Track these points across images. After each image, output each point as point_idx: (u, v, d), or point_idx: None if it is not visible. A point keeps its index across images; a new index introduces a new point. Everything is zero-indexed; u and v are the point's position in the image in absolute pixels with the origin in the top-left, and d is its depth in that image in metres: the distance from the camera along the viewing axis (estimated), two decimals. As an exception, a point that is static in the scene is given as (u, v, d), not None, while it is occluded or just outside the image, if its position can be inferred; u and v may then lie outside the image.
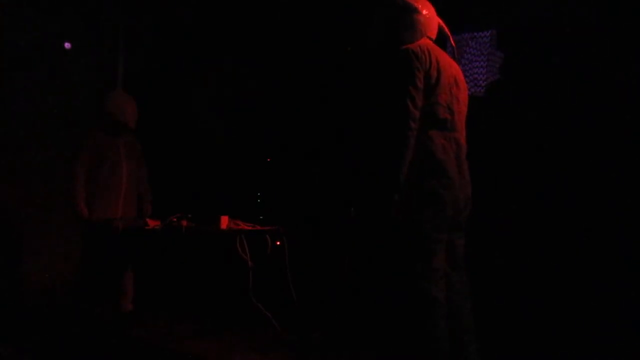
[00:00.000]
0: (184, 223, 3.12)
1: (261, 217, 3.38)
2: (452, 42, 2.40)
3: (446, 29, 2.39)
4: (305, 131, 4.27)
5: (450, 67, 2.25)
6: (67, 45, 4.95)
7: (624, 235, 2.75)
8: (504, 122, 3.26)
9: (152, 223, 3.28)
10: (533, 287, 3.00)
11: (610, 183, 2.83)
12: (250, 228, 3.01)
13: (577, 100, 2.97)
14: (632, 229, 2.73)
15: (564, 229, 2.96)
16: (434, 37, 2.33)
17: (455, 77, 2.26)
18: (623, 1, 2.82)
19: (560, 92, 3.04)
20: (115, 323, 3.62)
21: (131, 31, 5.28)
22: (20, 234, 4.64)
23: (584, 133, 2.92)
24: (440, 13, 2.40)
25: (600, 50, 2.89)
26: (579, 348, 2.74)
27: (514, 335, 2.92)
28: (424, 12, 2.27)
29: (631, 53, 2.77)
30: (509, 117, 3.24)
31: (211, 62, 4.85)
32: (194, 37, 4.93)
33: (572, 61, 2.99)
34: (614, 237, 2.79)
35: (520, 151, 3.17)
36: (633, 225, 2.73)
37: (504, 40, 3.30)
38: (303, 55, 4.27)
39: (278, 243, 2.84)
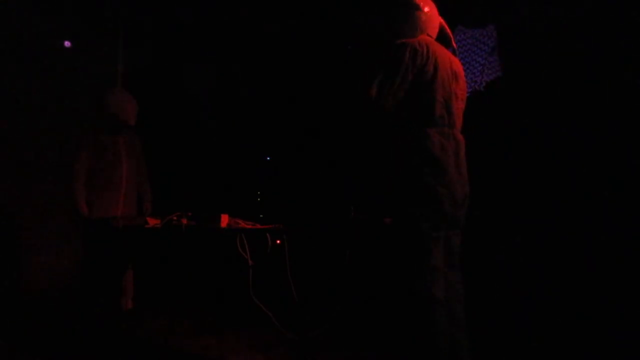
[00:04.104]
0: (184, 221, 3.10)
1: (261, 216, 3.37)
2: (454, 43, 2.39)
3: (448, 30, 2.39)
4: (305, 130, 4.26)
5: (450, 63, 2.24)
6: (67, 43, 4.94)
7: (624, 234, 2.75)
8: (503, 120, 3.26)
9: (152, 221, 3.27)
10: (530, 286, 3.01)
11: (609, 181, 2.83)
12: (250, 227, 3.00)
13: (577, 99, 2.97)
14: (631, 227, 2.73)
15: (563, 227, 2.96)
16: (434, 35, 2.33)
17: (455, 73, 2.25)
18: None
19: (559, 91, 3.04)
20: (115, 321, 3.61)
21: (131, 29, 5.27)
22: (19, 232, 4.63)
23: (584, 132, 2.92)
24: (440, 10, 2.40)
25: (600, 48, 2.88)
26: (577, 347, 2.74)
27: (509, 334, 2.92)
28: (425, 9, 2.27)
29: (631, 51, 2.77)
30: (508, 115, 3.24)
31: (211, 61, 4.85)
32: (195, 35, 4.93)
33: (572, 60, 2.99)
34: (613, 235, 2.78)
35: (519, 150, 3.17)
36: (633, 223, 2.73)
37: (503, 38, 3.30)
38: (304, 54, 4.27)
39: (278, 242, 2.83)
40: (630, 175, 2.76)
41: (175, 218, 3.13)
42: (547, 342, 2.86)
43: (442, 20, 2.37)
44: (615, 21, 2.81)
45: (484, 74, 3.34)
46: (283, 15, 4.38)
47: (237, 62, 4.75)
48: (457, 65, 2.32)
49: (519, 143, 3.17)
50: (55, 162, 4.68)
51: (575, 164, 2.95)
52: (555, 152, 3.03)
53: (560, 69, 3.03)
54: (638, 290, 2.67)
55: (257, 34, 4.60)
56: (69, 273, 4.59)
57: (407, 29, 2.24)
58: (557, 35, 3.03)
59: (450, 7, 3.17)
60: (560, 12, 3.00)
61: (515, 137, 3.19)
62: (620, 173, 2.80)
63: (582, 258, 2.87)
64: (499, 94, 3.32)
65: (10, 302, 4.30)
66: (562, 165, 3.00)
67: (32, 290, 4.53)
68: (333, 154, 3.98)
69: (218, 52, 4.83)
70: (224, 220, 2.99)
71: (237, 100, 4.74)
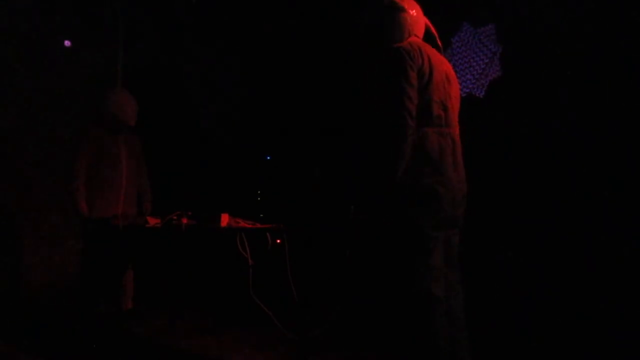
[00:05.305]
0: (184, 221, 3.10)
1: (262, 215, 3.37)
2: (439, 42, 2.40)
3: (433, 29, 2.40)
4: (306, 129, 4.27)
5: (441, 63, 2.26)
6: (67, 43, 4.94)
7: (624, 234, 2.75)
8: (503, 120, 3.26)
9: (152, 221, 3.27)
10: (530, 286, 3.01)
11: (609, 181, 2.83)
12: (250, 226, 3.00)
13: (577, 99, 2.97)
14: (631, 227, 2.73)
15: (563, 227, 2.96)
16: (420, 36, 2.34)
17: (447, 74, 2.26)
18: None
19: (559, 91, 3.04)
20: (115, 321, 3.61)
21: (131, 29, 5.27)
22: (19, 232, 4.63)
23: (584, 132, 2.93)
24: (440, 10, 2.41)
25: (600, 48, 2.89)
26: (577, 347, 2.74)
27: (509, 334, 2.92)
28: (411, 11, 2.29)
29: (631, 51, 2.77)
30: (508, 115, 3.24)
31: (211, 60, 4.85)
32: (194, 35, 4.93)
33: (572, 60, 3.00)
34: (613, 235, 2.79)
35: (519, 150, 3.18)
36: (633, 223, 2.73)
37: (503, 38, 3.31)
38: (304, 54, 4.27)
39: (278, 241, 2.83)
40: (630, 175, 2.77)
41: (175, 217, 3.13)
42: (547, 342, 2.86)
43: (427, 21, 2.38)
44: (615, 21, 2.81)
45: (485, 74, 3.34)
46: (283, 15, 4.39)
47: (237, 62, 4.75)
48: (447, 65, 2.33)
49: (519, 143, 3.17)
50: (55, 162, 4.68)
51: (575, 164, 2.95)
52: (555, 152, 3.03)
53: (560, 69, 3.03)
54: (638, 290, 2.67)
55: (257, 34, 4.60)
56: (69, 273, 4.59)
57: (395, 32, 2.25)
58: (557, 35, 3.03)
59: (450, 7, 3.18)
60: (560, 12, 3.00)
61: (515, 137, 3.19)
62: (620, 173, 2.80)
63: (582, 258, 2.87)
64: (499, 94, 3.32)
65: (10, 302, 4.30)
66: (562, 165, 3.00)
67: (32, 290, 4.53)
68: (334, 153, 3.98)
69: (218, 52, 4.83)
70: (224, 219, 2.99)
71: (237, 99, 4.74)
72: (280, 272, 2.76)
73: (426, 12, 2.37)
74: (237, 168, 4.66)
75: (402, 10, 2.27)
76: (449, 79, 2.26)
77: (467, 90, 3.38)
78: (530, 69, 3.16)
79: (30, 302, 4.30)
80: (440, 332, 2.05)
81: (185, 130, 4.95)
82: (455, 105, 2.29)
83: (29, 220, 4.67)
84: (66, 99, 4.93)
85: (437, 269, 2.10)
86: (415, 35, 2.30)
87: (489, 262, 3.10)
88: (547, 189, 3.05)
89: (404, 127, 2.06)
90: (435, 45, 2.36)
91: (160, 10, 5.05)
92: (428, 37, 2.37)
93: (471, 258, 2.44)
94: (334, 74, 4.02)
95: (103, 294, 3.63)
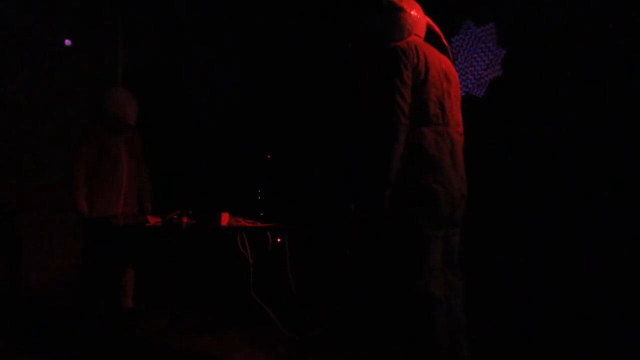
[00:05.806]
0: (185, 220, 3.10)
1: (262, 214, 3.37)
2: (444, 41, 2.41)
3: (437, 28, 2.40)
4: (306, 128, 4.27)
5: (440, 62, 2.26)
6: (67, 42, 4.94)
7: (624, 234, 2.76)
8: (503, 120, 3.26)
9: (152, 220, 3.27)
10: (530, 286, 3.01)
11: (609, 181, 2.83)
12: (251, 225, 3.00)
13: (576, 99, 2.97)
14: (631, 227, 2.74)
15: (563, 227, 2.97)
16: (422, 35, 2.35)
17: (446, 72, 2.27)
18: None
19: (559, 90, 3.05)
20: (115, 320, 3.61)
21: (131, 28, 5.27)
22: (19, 232, 4.63)
23: (584, 132, 2.93)
24: (439, 11, 2.42)
25: (600, 48, 2.89)
26: (577, 347, 2.74)
27: (509, 334, 2.92)
28: (411, 11, 2.30)
29: (631, 51, 2.78)
30: (508, 115, 3.25)
31: (211, 59, 4.85)
32: (194, 34, 4.94)
33: (572, 60, 3.00)
34: (613, 235, 2.79)
35: (519, 150, 3.18)
36: (633, 223, 2.73)
37: (503, 38, 3.31)
38: (304, 53, 4.27)
39: (279, 240, 2.83)
40: (630, 175, 2.77)
41: (175, 217, 3.13)
42: (547, 342, 2.86)
43: (429, 20, 2.39)
44: (615, 21, 2.82)
45: (485, 73, 3.34)
46: (283, 16, 4.39)
47: (237, 62, 4.75)
48: (447, 63, 2.33)
49: (519, 143, 3.18)
50: (55, 162, 4.68)
51: (575, 164, 2.95)
52: (555, 152, 3.03)
53: (560, 69, 3.04)
54: (638, 290, 2.67)
55: (257, 34, 4.60)
56: (69, 273, 4.58)
57: (394, 31, 2.26)
58: (557, 35, 3.04)
59: (451, 7, 3.19)
60: (560, 12, 3.01)
61: (515, 137, 3.19)
62: (620, 173, 2.81)
63: (582, 258, 2.88)
64: (499, 94, 3.32)
65: (10, 302, 4.30)
66: (562, 165, 3.01)
67: (32, 290, 4.53)
68: (334, 151, 3.98)
69: (218, 52, 4.83)
70: (225, 218, 2.99)
71: (238, 99, 4.74)
72: (281, 271, 2.76)
73: (426, 12, 2.37)
74: (237, 168, 4.66)
75: (401, 10, 2.28)
76: (448, 77, 2.27)
77: (467, 90, 3.38)
78: (530, 69, 3.16)
79: (30, 302, 4.30)
80: (440, 332, 2.05)
81: (185, 130, 4.95)
82: (455, 104, 2.29)
83: (29, 220, 4.67)
84: (66, 99, 4.92)
85: (437, 268, 2.10)
86: (416, 35, 2.30)
87: (489, 262, 3.11)
88: (547, 188, 3.05)
89: (396, 125, 2.07)
90: (440, 45, 2.36)
91: (160, 10, 5.05)
92: (432, 37, 2.37)
93: (471, 258, 2.44)
94: (334, 73, 4.02)
95: (103, 293, 3.62)
